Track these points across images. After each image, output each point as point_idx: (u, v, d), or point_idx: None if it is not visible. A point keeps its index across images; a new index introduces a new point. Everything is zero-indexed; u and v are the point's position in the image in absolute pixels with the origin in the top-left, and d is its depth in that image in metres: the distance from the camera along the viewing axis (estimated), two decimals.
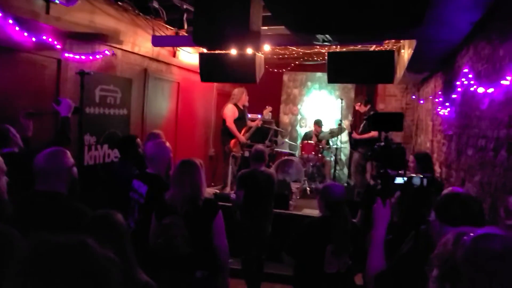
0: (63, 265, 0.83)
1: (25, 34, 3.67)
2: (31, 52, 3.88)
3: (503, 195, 2.58)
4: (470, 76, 3.56)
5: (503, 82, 2.58)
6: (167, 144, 3.40)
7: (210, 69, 5.61)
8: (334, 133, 7.56)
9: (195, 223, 2.76)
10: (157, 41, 5.51)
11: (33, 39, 3.78)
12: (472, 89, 3.42)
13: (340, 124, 7.48)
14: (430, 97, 6.18)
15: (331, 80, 5.11)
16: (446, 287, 1.11)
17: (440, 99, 5.12)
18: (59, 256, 0.84)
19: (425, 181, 2.32)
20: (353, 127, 7.13)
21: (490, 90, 2.89)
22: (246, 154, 6.56)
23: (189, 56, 6.97)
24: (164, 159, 3.29)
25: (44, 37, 3.89)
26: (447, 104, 4.64)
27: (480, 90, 3.13)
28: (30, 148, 3.28)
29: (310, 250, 2.92)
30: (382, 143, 2.31)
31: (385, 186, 2.26)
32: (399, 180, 2.46)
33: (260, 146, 4.74)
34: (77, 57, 4.34)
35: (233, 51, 5.32)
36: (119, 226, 1.83)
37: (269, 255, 4.90)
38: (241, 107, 6.85)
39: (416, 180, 2.47)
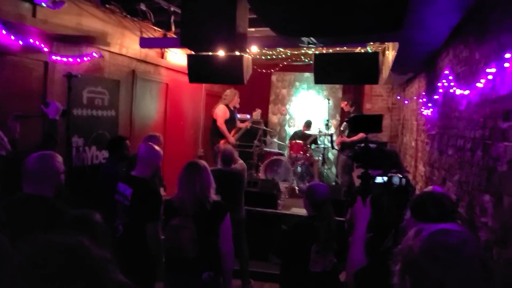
0: (60, 264, 0.85)
1: (12, 37, 3.68)
2: (18, 55, 3.89)
3: (479, 193, 2.68)
4: (451, 78, 3.66)
5: (478, 84, 2.67)
6: (158, 149, 3.43)
7: (198, 70, 5.65)
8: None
9: (203, 225, 2.81)
10: (145, 43, 5.55)
11: (20, 42, 3.79)
12: (451, 90, 3.52)
13: (327, 124, 7.58)
14: (415, 98, 6.30)
15: (318, 81, 5.18)
16: (406, 280, 1.18)
17: (424, 99, 5.23)
18: (57, 256, 0.86)
19: (403, 180, 2.40)
20: (342, 131, 7.24)
21: (467, 92, 2.99)
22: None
23: (177, 57, 7.01)
24: (153, 163, 3.30)
25: (31, 40, 3.91)
26: (429, 104, 4.74)
27: (459, 91, 3.22)
28: (17, 151, 3.29)
29: (296, 249, 2.97)
30: (362, 144, 2.38)
31: (365, 185, 2.34)
32: (379, 179, 2.54)
33: (228, 148, 4.84)
34: (65, 59, 4.36)
35: (221, 53, 5.38)
36: (98, 226, 1.85)
37: (258, 254, 4.99)
38: (232, 108, 6.91)
39: (396, 180, 2.56)
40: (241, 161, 5.16)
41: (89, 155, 4.76)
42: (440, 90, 4.12)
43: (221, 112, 6.78)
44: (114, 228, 3.09)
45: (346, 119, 6.41)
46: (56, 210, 2.33)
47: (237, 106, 7.06)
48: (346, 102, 7.21)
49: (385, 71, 6.50)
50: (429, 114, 4.80)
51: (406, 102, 7.32)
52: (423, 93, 5.38)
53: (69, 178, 4.22)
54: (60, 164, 2.46)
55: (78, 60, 4.54)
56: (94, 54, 4.77)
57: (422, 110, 5.31)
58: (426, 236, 1.19)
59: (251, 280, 5.06)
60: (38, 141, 3.39)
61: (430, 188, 3.21)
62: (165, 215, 2.94)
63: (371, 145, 2.58)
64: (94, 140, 4.86)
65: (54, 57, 4.24)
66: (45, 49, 4.09)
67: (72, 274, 0.85)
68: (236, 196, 4.49)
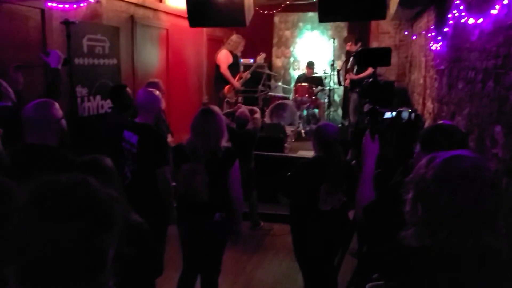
0: (66, 202, 0.84)
1: None
2: (12, 2, 3.76)
3: (489, 125, 2.65)
4: (462, 7, 3.50)
5: (492, 11, 2.55)
6: (157, 93, 3.39)
7: (198, 13, 5.48)
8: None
9: (214, 170, 2.86)
10: None
11: None
12: (462, 21, 3.38)
13: (332, 65, 7.42)
14: (423, 32, 6.10)
15: (322, 19, 5.01)
16: (418, 208, 1.18)
17: (433, 33, 5.06)
18: (62, 194, 0.85)
19: (413, 115, 2.37)
20: (350, 69, 7.09)
21: (480, 20, 2.87)
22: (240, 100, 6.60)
23: (176, 0, 6.77)
24: (153, 108, 3.28)
25: None
26: (439, 38, 4.59)
27: (471, 21, 3.10)
28: (22, 102, 3.27)
29: (305, 189, 3.01)
30: (370, 80, 2.33)
31: (373, 121, 2.31)
32: (387, 114, 2.52)
33: (242, 112, 4.78)
34: (61, 6, 4.21)
35: None
36: (108, 169, 1.86)
37: (266, 196, 5.09)
38: (235, 54, 6.77)
39: (405, 114, 2.53)
40: (257, 115, 5.06)
41: (94, 104, 4.73)
42: (450, 22, 3.97)
43: (223, 57, 6.64)
44: (123, 175, 3.13)
45: (353, 54, 6.25)
46: (62, 158, 2.33)
47: (239, 54, 6.92)
48: (350, 43, 7.02)
49: (393, 6, 6.25)
50: (438, 48, 4.66)
51: (414, 37, 7.10)
52: (432, 27, 5.20)
53: (75, 128, 4.26)
54: (57, 111, 2.43)
55: (75, 6, 4.39)
56: (91, 0, 4.61)
57: (430, 45, 5.16)
58: (439, 162, 1.18)
59: (261, 222, 5.21)
60: (42, 91, 3.35)
61: (440, 122, 3.19)
62: (176, 160, 2.97)
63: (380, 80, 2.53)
64: (98, 90, 4.81)
65: (50, 4, 4.10)
66: None
67: (75, 211, 0.84)
68: (246, 152, 4.63)
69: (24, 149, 2.33)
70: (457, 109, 3.64)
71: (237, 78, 6.77)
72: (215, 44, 7.94)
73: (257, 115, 5.02)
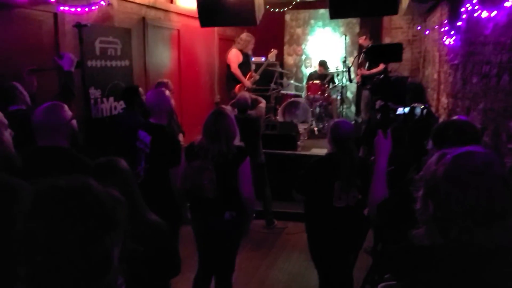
0: (66, 206, 0.85)
1: None
2: (26, 7, 3.82)
3: (505, 119, 2.60)
4: (475, 1, 3.44)
5: (506, 4, 2.50)
6: (167, 92, 3.40)
7: (209, 13, 5.49)
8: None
9: (223, 168, 2.86)
10: None
11: None
12: (476, 14, 3.32)
13: (344, 62, 7.36)
14: (436, 27, 6.01)
15: (334, 15, 4.97)
16: (429, 206, 1.16)
17: (446, 28, 4.98)
18: (62, 198, 0.86)
19: (425, 111, 2.34)
20: (361, 64, 7.02)
21: (494, 13, 2.81)
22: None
23: (187, 1, 6.79)
24: (164, 108, 3.31)
25: None
26: (452, 32, 4.52)
27: (484, 14, 3.04)
28: (36, 105, 3.32)
29: (319, 186, 2.99)
30: (381, 76, 2.30)
31: (385, 118, 2.29)
32: (400, 111, 2.48)
33: (242, 95, 4.78)
34: (73, 9, 4.26)
35: None
36: (123, 171, 1.88)
37: (280, 195, 5.07)
38: (245, 52, 6.76)
39: (418, 111, 2.49)
40: (262, 104, 5.09)
41: (107, 106, 4.78)
42: (464, 16, 3.91)
43: (233, 56, 6.64)
44: (136, 174, 3.16)
45: (364, 50, 6.20)
46: (74, 159, 2.35)
47: (250, 52, 6.90)
48: (364, 36, 6.96)
49: (405, 1, 6.18)
50: (452, 42, 4.59)
51: (427, 32, 6.99)
52: (445, 21, 5.12)
53: (90, 130, 4.31)
54: (66, 113, 2.45)
55: (86, 9, 4.44)
56: (102, 3, 4.65)
57: (444, 39, 5.08)
58: (450, 159, 1.16)
59: (275, 220, 5.20)
60: (55, 94, 3.40)
61: (454, 118, 3.13)
62: (187, 158, 2.99)
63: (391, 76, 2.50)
64: (111, 91, 4.86)
65: (62, 8, 4.15)
66: (52, 0, 4.01)
67: (77, 214, 0.85)
68: (252, 142, 4.51)
69: (36, 151, 2.35)
70: (472, 104, 3.58)
71: (248, 76, 6.77)
72: (226, 44, 7.95)
73: (262, 105, 5.02)
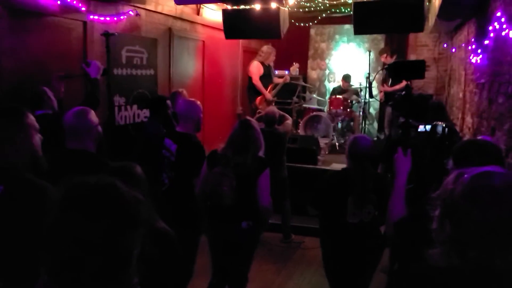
0: (95, 202, 0.90)
1: None
2: (57, 15, 3.96)
3: None
4: (503, 20, 3.38)
5: None
6: (198, 102, 3.45)
7: (234, 25, 5.57)
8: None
9: (243, 177, 2.89)
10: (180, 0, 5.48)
11: (58, 2, 3.84)
12: (504, 33, 3.26)
13: (368, 78, 7.31)
14: (463, 45, 5.92)
15: (358, 31, 4.97)
16: (446, 225, 1.14)
17: (473, 46, 4.90)
18: (91, 195, 0.90)
19: (446, 130, 2.30)
20: (385, 80, 6.97)
21: None
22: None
23: (213, 13, 6.90)
24: (195, 118, 3.35)
25: (69, 0, 3.95)
26: (479, 51, 4.44)
27: None
28: (62, 111, 3.41)
29: (332, 201, 2.97)
30: (403, 92, 2.28)
31: (405, 135, 2.25)
32: (421, 128, 2.44)
33: (270, 109, 4.80)
34: (102, 18, 4.39)
35: (257, 6, 5.24)
36: (137, 176, 1.90)
37: (298, 209, 5.03)
38: (267, 65, 6.80)
39: (440, 129, 2.45)
40: (289, 121, 5.09)
41: (130, 113, 4.87)
42: (491, 35, 3.84)
43: (255, 69, 6.68)
44: (160, 182, 3.20)
45: (386, 67, 6.15)
46: (101, 163, 2.41)
47: (271, 64, 6.93)
48: (385, 54, 6.92)
49: (431, 18, 6.11)
50: (478, 61, 4.51)
51: (453, 50, 6.90)
52: (472, 40, 5.04)
53: (113, 136, 4.39)
54: (94, 117, 2.54)
55: (115, 19, 4.57)
56: (131, 13, 4.78)
57: (470, 58, 4.99)
58: (467, 178, 1.14)
59: (292, 234, 5.15)
60: (81, 100, 3.48)
61: (478, 137, 3.06)
62: (209, 165, 3.01)
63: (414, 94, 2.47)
64: (135, 99, 4.95)
65: (92, 17, 4.28)
66: (83, 9, 4.14)
67: (104, 211, 0.89)
68: (276, 156, 4.55)
69: (65, 154, 2.43)
70: (497, 124, 3.49)
71: (269, 89, 6.80)
72: (250, 56, 8.02)
73: (289, 121, 5.03)
